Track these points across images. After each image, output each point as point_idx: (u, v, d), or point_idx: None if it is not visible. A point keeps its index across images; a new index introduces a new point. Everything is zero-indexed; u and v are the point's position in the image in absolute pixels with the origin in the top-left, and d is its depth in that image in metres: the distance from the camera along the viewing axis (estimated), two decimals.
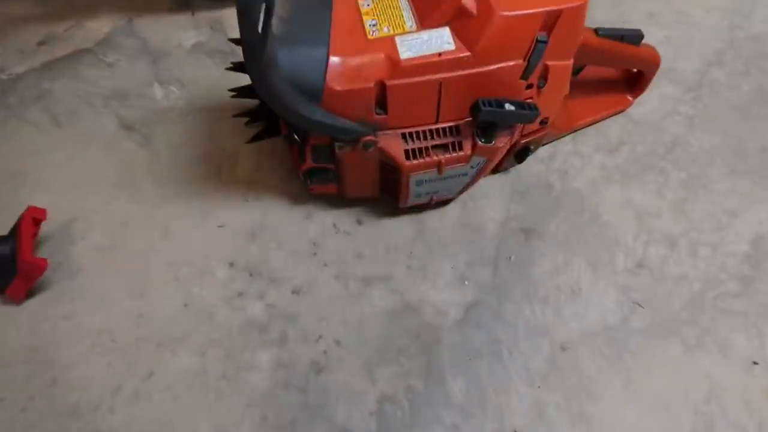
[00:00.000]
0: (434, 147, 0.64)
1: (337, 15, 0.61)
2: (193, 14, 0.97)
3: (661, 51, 0.82)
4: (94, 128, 0.83)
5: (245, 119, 0.74)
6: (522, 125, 0.68)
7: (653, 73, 0.84)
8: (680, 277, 0.71)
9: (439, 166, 0.65)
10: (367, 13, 0.62)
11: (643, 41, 0.78)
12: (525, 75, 0.62)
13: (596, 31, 0.72)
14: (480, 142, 0.64)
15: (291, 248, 0.73)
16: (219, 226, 0.74)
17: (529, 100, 0.64)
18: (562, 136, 0.83)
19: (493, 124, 0.63)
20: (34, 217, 0.69)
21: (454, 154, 0.64)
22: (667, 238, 0.75)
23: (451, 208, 0.76)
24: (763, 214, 0.76)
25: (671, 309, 0.69)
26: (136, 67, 0.90)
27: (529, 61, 0.60)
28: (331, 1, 0.62)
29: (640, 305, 0.68)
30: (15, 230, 0.68)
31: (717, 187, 0.79)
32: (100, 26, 0.96)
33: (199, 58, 0.92)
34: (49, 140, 0.81)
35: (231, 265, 0.71)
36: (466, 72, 0.59)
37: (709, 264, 0.72)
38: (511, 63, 0.60)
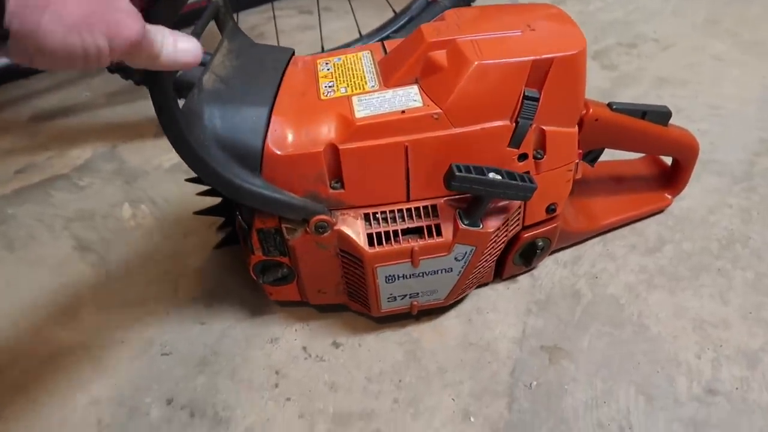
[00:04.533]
0: (406, 231, 0.51)
1: (288, 77, 0.53)
2: None
3: None
4: (47, 251, 0.74)
5: (217, 233, 0.65)
6: (520, 208, 0.54)
7: (692, 163, 0.70)
8: None
9: (412, 255, 0.51)
10: (324, 76, 0.53)
11: None
12: (514, 141, 0.50)
13: (610, 105, 0.61)
14: (463, 225, 0.50)
15: (247, 378, 0.57)
16: (163, 354, 0.60)
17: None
18: (587, 238, 0.69)
19: (479, 201, 0.49)
20: None
21: (431, 241, 0.50)
22: (743, 353, 0.56)
23: (452, 324, 0.61)
24: None
25: None
26: (108, 189, 0.83)
27: (517, 122, 0.49)
28: (285, 65, 0.54)
29: None
30: None
31: None
32: (81, 153, 0.91)
33: (176, 177, 0.84)
34: None
35: (169, 402, 0.56)
36: (438, 134, 0.48)
37: None
38: (495, 124, 0.49)
